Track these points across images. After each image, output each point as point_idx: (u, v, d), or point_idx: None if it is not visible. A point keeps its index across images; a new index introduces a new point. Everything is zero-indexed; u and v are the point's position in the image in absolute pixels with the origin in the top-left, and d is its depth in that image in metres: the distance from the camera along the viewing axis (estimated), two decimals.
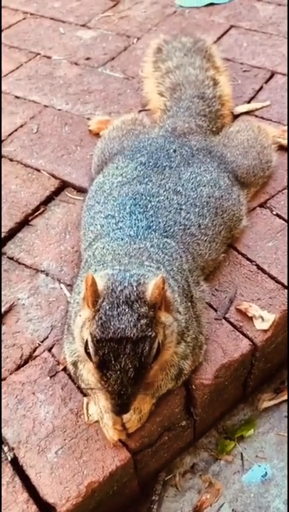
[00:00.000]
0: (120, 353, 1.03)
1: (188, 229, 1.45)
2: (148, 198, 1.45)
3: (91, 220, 1.52)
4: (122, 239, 1.34)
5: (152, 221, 1.40)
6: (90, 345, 1.06)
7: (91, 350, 1.06)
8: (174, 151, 1.62)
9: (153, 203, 1.44)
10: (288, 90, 2.16)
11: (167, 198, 1.47)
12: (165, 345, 1.14)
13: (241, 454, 1.49)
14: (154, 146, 1.64)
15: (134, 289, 1.08)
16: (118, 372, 1.03)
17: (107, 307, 1.06)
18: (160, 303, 1.10)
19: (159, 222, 1.40)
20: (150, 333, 1.06)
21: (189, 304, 1.31)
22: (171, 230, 1.41)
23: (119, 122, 1.91)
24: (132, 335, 1.04)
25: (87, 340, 1.07)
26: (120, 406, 1.06)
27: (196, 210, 1.49)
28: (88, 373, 1.22)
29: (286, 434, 1.52)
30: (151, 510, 1.39)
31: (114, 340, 1.04)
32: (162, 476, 1.45)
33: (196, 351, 1.29)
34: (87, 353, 1.07)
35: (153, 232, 1.37)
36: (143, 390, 1.14)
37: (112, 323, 1.05)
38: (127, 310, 1.06)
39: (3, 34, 2.77)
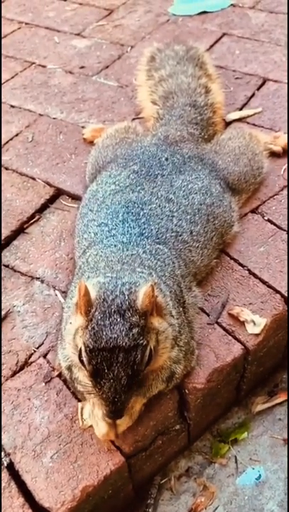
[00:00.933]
0: (113, 361, 1.06)
1: (180, 236, 1.47)
2: (140, 205, 1.48)
3: (85, 227, 1.54)
4: (115, 245, 1.36)
5: (145, 228, 1.42)
6: (84, 354, 1.09)
7: (84, 359, 1.09)
8: (166, 159, 1.64)
9: (145, 211, 1.47)
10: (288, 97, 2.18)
11: (159, 206, 1.50)
12: (158, 350, 1.16)
13: (235, 457, 1.51)
14: (147, 155, 1.66)
15: (126, 297, 1.11)
16: (111, 381, 1.06)
17: (99, 317, 1.09)
18: (151, 309, 1.12)
19: (152, 230, 1.43)
20: (142, 342, 1.08)
21: (181, 309, 1.33)
22: (164, 236, 1.44)
23: (112, 131, 1.94)
24: (124, 344, 1.06)
25: (80, 349, 1.10)
26: (114, 412, 1.09)
27: (188, 217, 1.51)
28: (84, 376, 1.24)
29: (280, 437, 1.54)
30: None
31: (107, 349, 1.06)
32: (157, 479, 1.47)
33: (188, 356, 1.31)
34: (81, 361, 1.10)
35: (145, 239, 1.39)
36: (136, 393, 1.16)
37: (104, 333, 1.07)
38: (118, 319, 1.08)
39: None
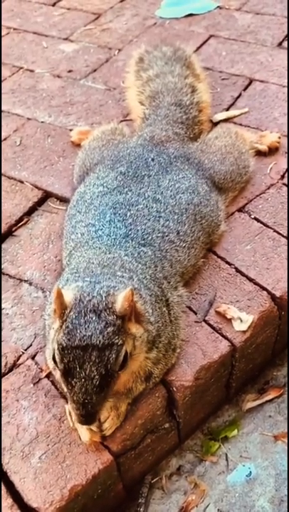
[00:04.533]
0: (86, 360, 1.05)
1: (166, 236, 1.48)
2: (127, 207, 1.48)
3: (72, 229, 1.55)
4: (99, 248, 1.37)
5: (131, 229, 1.43)
6: (56, 352, 1.08)
7: (57, 358, 1.08)
8: (152, 159, 1.65)
9: (132, 212, 1.47)
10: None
11: (146, 207, 1.50)
12: (134, 355, 1.16)
13: (226, 454, 1.52)
14: (133, 156, 1.67)
15: (103, 299, 1.11)
16: (83, 380, 1.05)
17: (74, 316, 1.09)
18: (130, 314, 1.12)
19: (138, 230, 1.43)
20: (117, 341, 1.08)
21: (164, 308, 1.33)
22: (150, 237, 1.44)
23: (99, 132, 1.95)
24: (97, 342, 1.06)
25: (54, 349, 1.10)
26: (85, 416, 1.07)
27: (175, 217, 1.52)
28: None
29: (270, 434, 1.54)
30: None
31: (80, 347, 1.06)
32: (148, 478, 1.47)
33: (169, 354, 1.32)
34: (55, 361, 1.10)
35: (130, 241, 1.40)
36: (111, 399, 1.16)
37: (78, 331, 1.07)
38: (94, 318, 1.08)
39: None
